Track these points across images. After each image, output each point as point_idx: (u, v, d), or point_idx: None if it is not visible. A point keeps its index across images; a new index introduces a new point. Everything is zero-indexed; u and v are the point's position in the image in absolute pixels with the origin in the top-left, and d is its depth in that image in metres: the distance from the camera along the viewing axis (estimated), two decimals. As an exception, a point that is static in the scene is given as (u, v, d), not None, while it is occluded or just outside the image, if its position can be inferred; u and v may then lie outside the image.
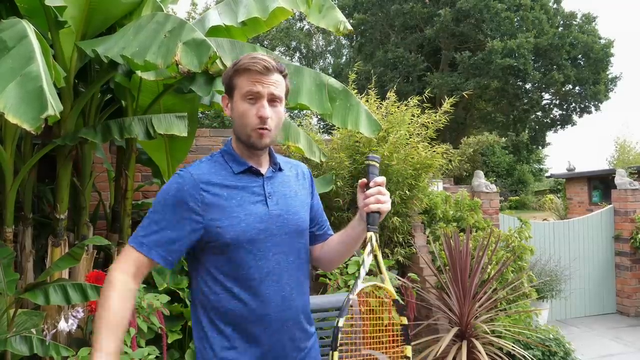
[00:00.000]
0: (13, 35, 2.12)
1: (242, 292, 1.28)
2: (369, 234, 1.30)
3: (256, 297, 1.29)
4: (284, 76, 1.36)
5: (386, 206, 1.30)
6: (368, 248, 1.30)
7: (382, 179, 1.32)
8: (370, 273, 1.40)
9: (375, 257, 1.32)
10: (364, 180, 1.34)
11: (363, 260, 1.30)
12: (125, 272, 1.25)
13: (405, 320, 1.28)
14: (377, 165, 1.36)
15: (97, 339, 1.14)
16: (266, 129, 1.31)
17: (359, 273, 1.27)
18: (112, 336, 1.15)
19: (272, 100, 1.32)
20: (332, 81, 3.39)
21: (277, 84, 1.32)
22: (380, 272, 1.33)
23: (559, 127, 17.86)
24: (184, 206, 1.28)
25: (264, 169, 1.39)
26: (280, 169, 1.43)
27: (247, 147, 1.35)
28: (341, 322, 1.18)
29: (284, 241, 1.34)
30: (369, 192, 1.30)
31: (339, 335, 1.17)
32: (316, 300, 3.10)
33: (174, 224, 1.27)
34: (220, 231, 1.27)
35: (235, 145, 1.39)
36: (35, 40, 2.11)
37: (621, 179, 6.45)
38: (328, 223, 1.57)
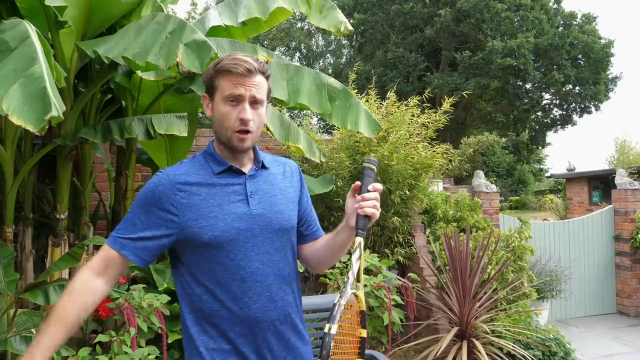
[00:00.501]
0: (15, 36, 2.13)
1: (224, 293, 1.27)
2: (358, 239, 1.25)
3: (239, 298, 1.27)
4: (266, 77, 1.35)
5: (378, 213, 1.29)
6: (357, 254, 1.24)
7: (380, 186, 1.30)
8: (369, 272, 1.38)
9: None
10: (358, 183, 1.30)
11: (351, 266, 1.24)
12: (92, 269, 1.27)
13: (364, 333, 1.24)
14: (375, 169, 1.33)
15: (40, 329, 1.23)
16: (248, 131, 1.30)
17: (347, 278, 1.22)
18: (50, 329, 1.20)
19: (254, 102, 1.30)
20: (332, 81, 3.39)
21: (259, 87, 1.30)
22: (358, 280, 1.26)
23: (559, 127, 17.83)
24: (159, 206, 1.28)
25: (247, 167, 1.37)
26: (264, 167, 1.41)
27: (228, 149, 1.34)
28: (334, 329, 1.08)
29: (267, 241, 1.32)
30: (367, 195, 1.26)
31: (331, 344, 1.06)
32: (316, 300, 3.10)
33: (148, 224, 1.28)
34: (197, 231, 1.26)
35: (216, 146, 1.38)
36: (37, 41, 2.11)
37: (621, 179, 6.45)
38: (318, 223, 1.53)
